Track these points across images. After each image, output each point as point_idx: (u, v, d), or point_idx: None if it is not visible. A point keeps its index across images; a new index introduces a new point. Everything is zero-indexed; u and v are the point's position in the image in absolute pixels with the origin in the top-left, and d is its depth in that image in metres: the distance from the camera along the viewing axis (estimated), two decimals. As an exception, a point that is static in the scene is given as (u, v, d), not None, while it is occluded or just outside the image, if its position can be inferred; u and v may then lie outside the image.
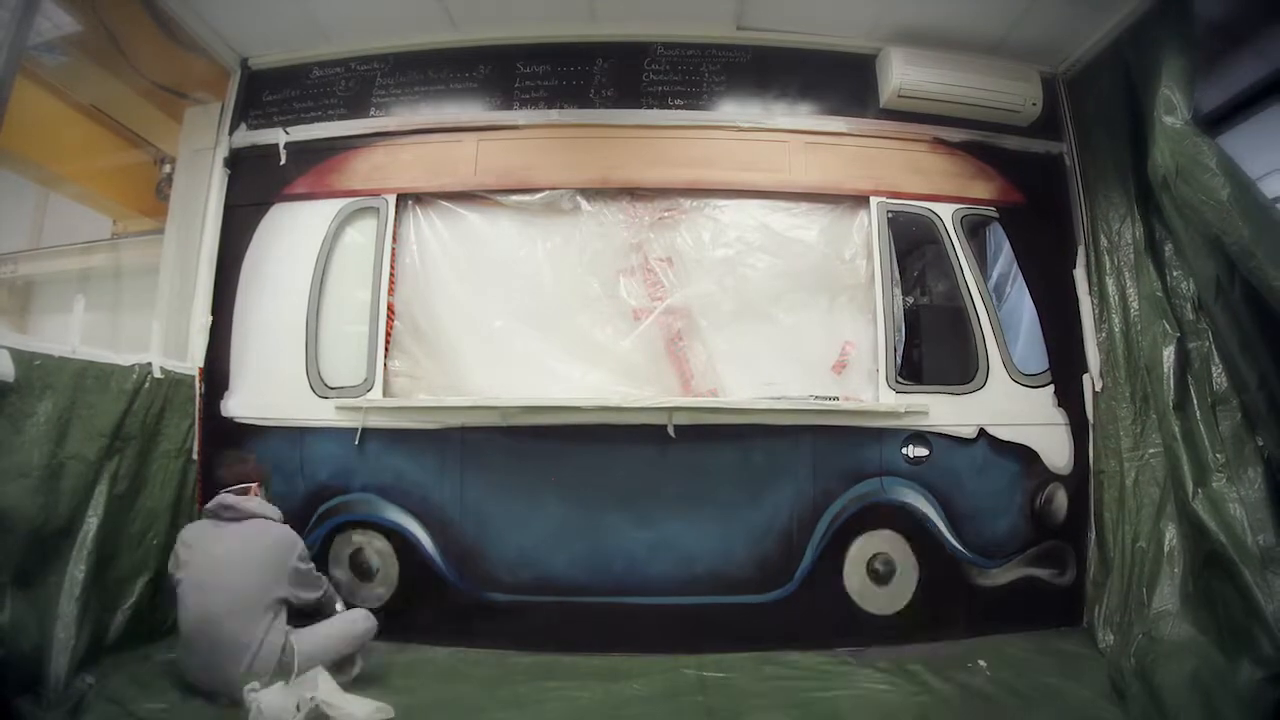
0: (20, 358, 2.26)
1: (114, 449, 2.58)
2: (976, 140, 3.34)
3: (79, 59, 3.23)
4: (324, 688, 2.12)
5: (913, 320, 3.21)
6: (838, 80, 3.37)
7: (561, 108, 3.32)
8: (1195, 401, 2.60)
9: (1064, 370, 3.18)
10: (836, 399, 3.03)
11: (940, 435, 3.05)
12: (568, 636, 2.87)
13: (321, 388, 3.07)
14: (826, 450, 3.01)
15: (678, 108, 3.33)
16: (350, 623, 2.46)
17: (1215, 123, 3.39)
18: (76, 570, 2.40)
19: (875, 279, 3.13)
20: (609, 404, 2.94)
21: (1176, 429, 2.65)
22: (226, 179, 3.35)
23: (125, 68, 3.31)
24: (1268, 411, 2.38)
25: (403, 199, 3.22)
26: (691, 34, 3.37)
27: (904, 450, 3.04)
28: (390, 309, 3.13)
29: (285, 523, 2.49)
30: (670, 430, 2.93)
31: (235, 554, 2.30)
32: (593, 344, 3.13)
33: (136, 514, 2.70)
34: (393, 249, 3.16)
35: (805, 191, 3.24)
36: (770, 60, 3.38)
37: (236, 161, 3.37)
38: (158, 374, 2.81)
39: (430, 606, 2.95)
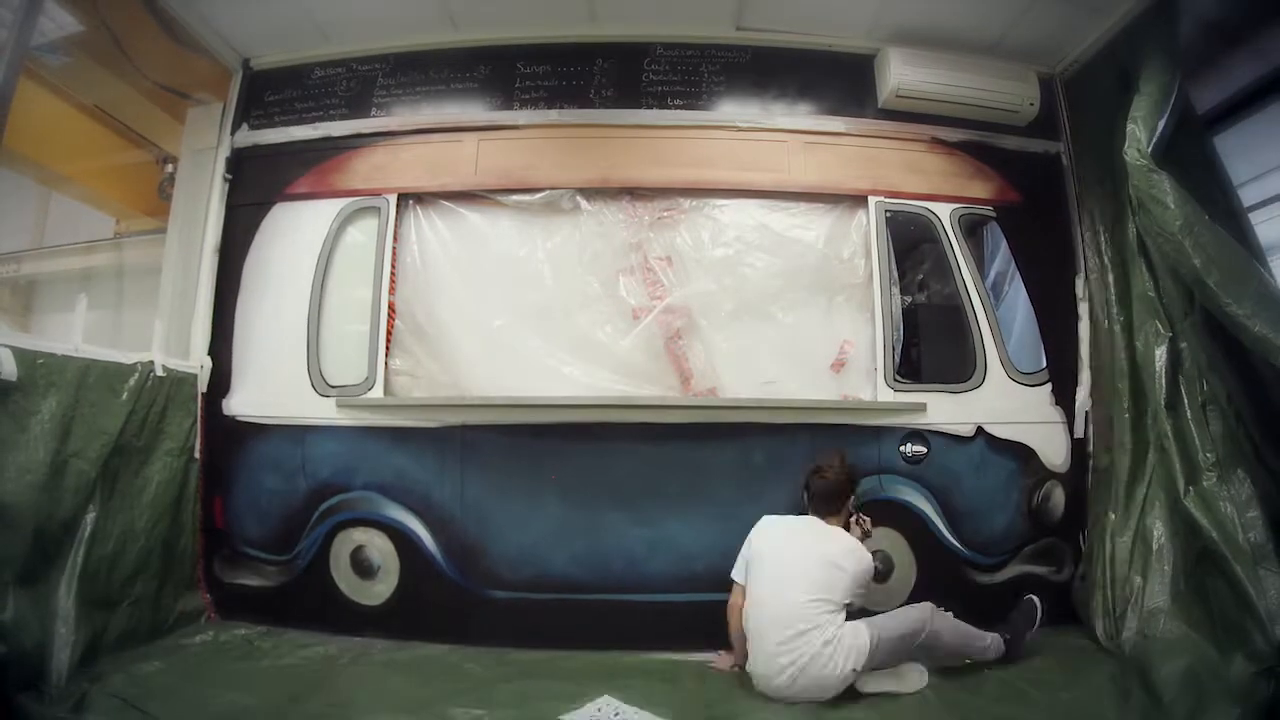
0: (23, 356, 2.28)
1: (116, 447, 2.60)
2: (974, 140, 3.35)
3: (82, 59, 3.25)
4: None
5: (911, 319, 3.23)
6: (836, 80, 3.38)
7: (561, 108, 3.33)
8: (1186, 401, 2.65)
9: (1061, 369, 3.20)
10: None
11: (938, 433, 3.07)
12: (567, 633, 2.88)
13: (323, 386, 3.09)
14: (825, 448, 3.02)
15: (677, 108, 3.34)
16: None
17: (1215, 120, 3.43)
18: (77, 568, 2.42)
19: (874, 278, 3.14)
20: (609, 402, 2.96)
21: (1168, 428, 2.69)
22: (228, 178, 3.36)
23: (128, 68, 3.33)
24: (1247, 420, 2.47)
25: (403, 199, 3.24)
26: (691, 34, 3.39)
27: (902, 448, 3.06)
28: (391, 308, 3.14)
29: None
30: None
31: None
32: (592, 343, 3.14)
33: (139, 512, 2.71)
34: (394, 248, 3.17)
35: (804, 191, 3.26)
36: (769, 60, 3.39)
37: (238, 161, 3.38)
38: (160, 372, 2.83)
39: (431, 604, 2.96)
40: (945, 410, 3.08)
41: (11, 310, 4.33)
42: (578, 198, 3.23)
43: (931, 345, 3.21)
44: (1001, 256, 3.35)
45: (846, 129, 3.31)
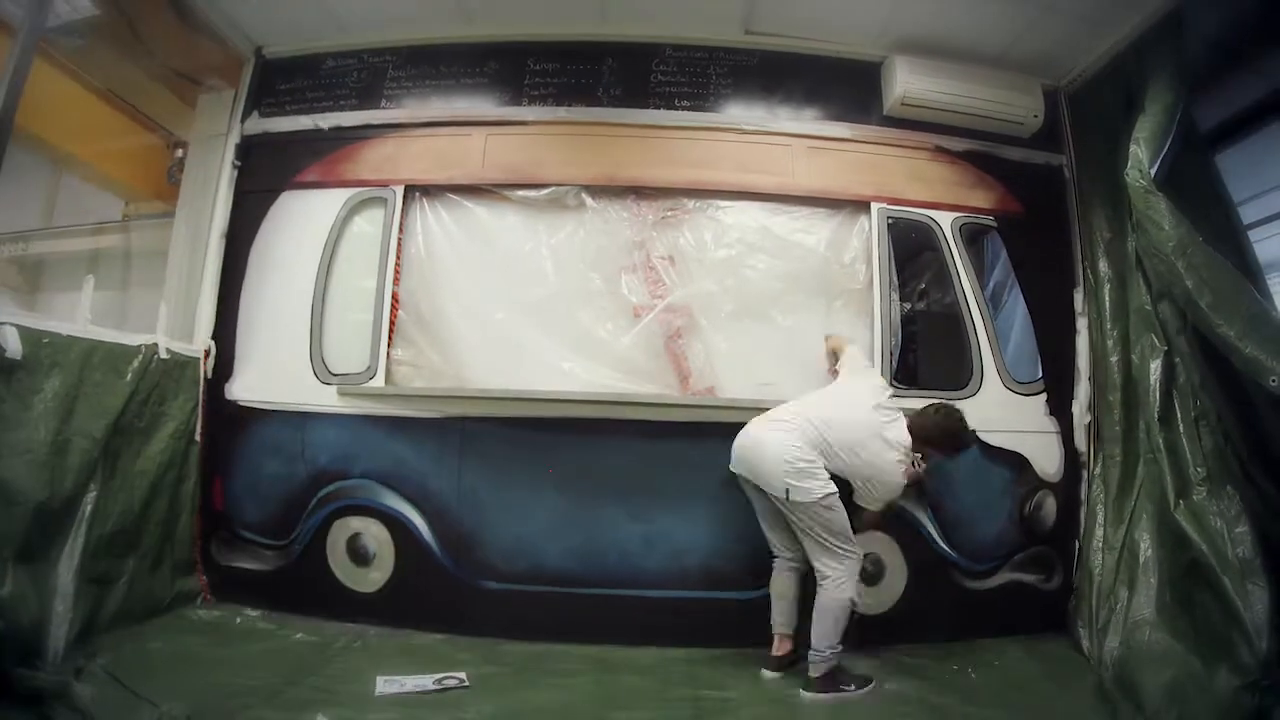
0: (29, 335, 2.30)
1: (118, 427, 2.62)
2: (978, 150, 3.37)
3: (96, 43, 3.28)
4: None
5: (909, 325, 3.25)
6: (842, 86, 3.41)
7: (570, 105, 3.36)
8: (1179, 415, 2.67)
9: (1056, 379, 3.22)
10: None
11: (933, 439, 3.09)
12: (560, 626, 2.90)
13: (325, 373, 3.12)
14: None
15: (684, 109, 3.37)
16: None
17: (1218, 138, 3.46)
18: (76, 546, 2.44)
19: (873, 284, 3.16)
20: (607, 398, 2.99)
21: (1161, 441, 2.72)
22: (237, 165, 3.39)
23: (141, 52, 3.36)
24: (1235, 439, 2.51)
25: (410, 190, 3.26)
26: (700, 36, 3.41)
27: (896, 452, 3.07)
28: (395, 298, 3.16)
29: None
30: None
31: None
32: (593, 339, 3.16)
33: (138, 492, 2.74)
34: (399, 239, 3.20)
35: (807, 195, 3.28)
36: (776, 65, 3.42)
37: (248, 148, 3.41)
38: (164, 354, 2.86)
39: (425, 593, 2.98)
40: (941, 416, 3.10)
41: (19, 288, 4.36)
42: (583, 195, 3.25)
43: (929, 352, 3.23)
44: (1001, 266, 3.37)
45: (851, 135, 3.34)
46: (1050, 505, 3.13)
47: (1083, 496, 3.15)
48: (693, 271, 3.21)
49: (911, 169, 3.32)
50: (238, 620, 2.89)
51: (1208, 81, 3.02)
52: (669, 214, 3.26)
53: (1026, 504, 3.11)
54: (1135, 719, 2.32)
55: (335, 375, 3.11)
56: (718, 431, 3.00)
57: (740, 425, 2.99)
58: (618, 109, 3.36)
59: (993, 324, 3.19)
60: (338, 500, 3.04)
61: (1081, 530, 3.11)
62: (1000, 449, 3.11)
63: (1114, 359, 3.04)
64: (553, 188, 3.24)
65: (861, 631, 2.77)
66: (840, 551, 2.50)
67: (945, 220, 3.27)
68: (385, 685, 2.36)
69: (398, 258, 3.19)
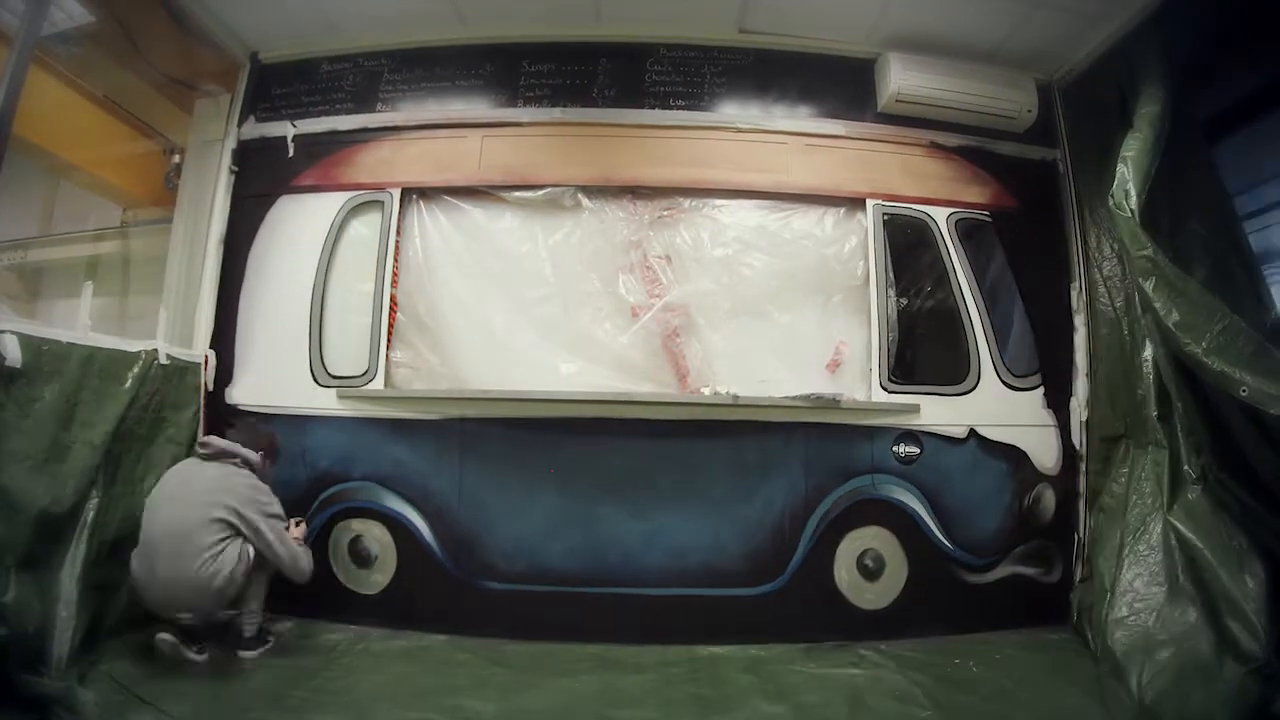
0: (29, 343, 2.31)
1: (119, 433, 2.62)
2: (972, 145, 3.39)
3: (92, 50, 3.27)
4: None
5: (906, 321, 3.26)
6: (836, 84, 3.42)
7: (565, 106, 3.37)
8: (1175, 409, 2.68)
9: (1053, 373, 3.23)
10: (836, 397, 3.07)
11: (931, 434, 3.10)
12: (562, 625, 2.91)
13: (324, 377, 3.13)
14: (819, 447, 3.06)
15: (679, 108, 3.38)
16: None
17: (1211, 132, 3.46)
18: (79, 552, 2.43)
19: (870, 280, 3.18)
20: (606, 398, 3.00)
21: (1158, 436, 2.75)
22: (234, 170, 3.40)
23: (137, 59, 3.35)
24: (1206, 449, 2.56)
25: (407, 193, 3.27)
26: (694, 36, 3.42)
27: (895, 448, 3.09)
28: (393, 301, 3.17)
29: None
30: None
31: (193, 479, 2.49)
32: (592, 339, 3.17)
33: (140, 498, 2.74)
34: (396, 242, 3.21)
35: (803, 193, 3.29)
36: (771, 63, 3.43)
37: (245, 153, 3.42)
38: (163, 360, 2.86)
39: (427, 594, 2.99)
40: (938, 412, 3.12)
41: (18, 296, 4.36)
42: (579, 195, 3.26)
43: (926, 347, 3.25)
44: (996, 260, 3.37)
45: (846, 132, 3.35)
46: (1049, 498, 3.14)
47: (1081, 489, 3.17)
48: (690, 270, 3.23)
49: (906, 165, 3.33)
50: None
51: (1199, 75, 3.02)
52: (665, 213, 3.28)
53: (1025, 498, 3.12)
54: (1138, 711, 2.32)
55: (334, 378, 3.12)
56: (716, 430, 3.03)
57: (737, 423, 3.03)
58: (613, 109, 3.37)
59: (989, 319, 3.20)
60: (339, 503, 3.05)
61: (1081, 523, 3.12)
62: (998, 443, 3.13)
63: (1111, 354, 3.05)
64: (549, 189, 3.25)
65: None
66: None
67: (940, 216, 3.28)
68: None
69: (395, 260, 3.20)
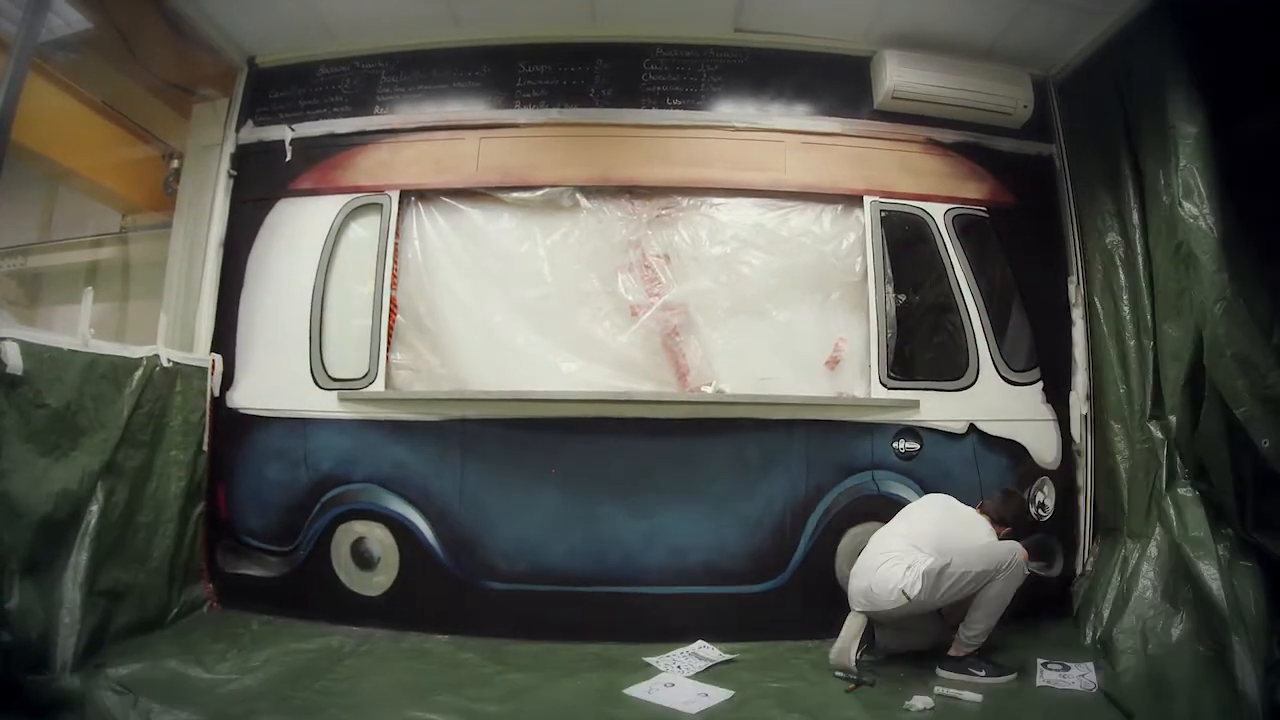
0: (30, 350, 2.30)
1: (123, 440, 2.63)
2: (969, 142, 3.39)
3: (90, 56, 3.28)
4: None
5: (905, 317, 3.26)
6: (833, 82, 3.42)
7: (562, 107, 3.37)
8: (1167, 407, 2.70)
9: (1052, 368, 3.24)
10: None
11: (931, 430, 3.11)
12: (564, 625, 2.92)
13: (325, 379, 3.13)
14: (819, 444, 3.07)
15: (676, 108, 3.38)
16: None
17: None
18: (82, 558, 2.43)
19: (868, 277, 3.18)
20: (606, 397, 3.01)
21: (1152, 432, 2.77)
22: (233, 174, 3.40)
23: (135, 65, 3.37)
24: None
25: (406, 195, 3.28)
26: (690, 35, 3.42)
27: (895, 445, 3.10)
28: (393, 303, 3.18)
29: None
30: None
31: None
32: (591, 339, 3.18)
33: (144, 503, 2.75)
34: (395, 244, 3.21)
35: (800, 191, 3.30)
36: (767, 62, 3.43)
37: (243, 157, 3.42)
38: (165, 364, 2.87)
39: (429, 595, 3.00)
40: (938, 407, 3.13)
41: (18, 302, 4.37)
42: (577, 195, 3.27)
43: (925, 343, 3.26)
44: (994, 256, 3.38)
45: (843, 129, 3.36)
46: (1049, 493, 3.14)
47: (1081, 484, 3.18)
48: (688, 269, 3.23)
49: (903, 162, 3.34)
50: (245, 626, 2.90)
51: (1195, 69, 3.01)
52: (663, 213, 3.28)
53: (1026, 492, 3.12)
54: (1134, 702, 2.32)
55: (335, 381, 3.13)
56: (716, 428, 3.04)
57: (737, 421, 3.04)
58: (610, 109, 3.37)
59: (987, 314, 3.20)
60: (341, 505, 3.05)
61: (1081, 517, 3.13)
62: (998, 438, 3.13)
63: (1109, 348, 3.06)
64: (547, 189, 3.25)
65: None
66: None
67: (938, 212, 3.29)
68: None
69: (394, 262, 3.20)
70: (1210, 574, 2.35)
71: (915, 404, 3.11)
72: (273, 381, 3.18)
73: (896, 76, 3.25)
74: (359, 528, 3.05)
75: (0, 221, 4.23)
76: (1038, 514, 3.11)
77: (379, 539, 3.05)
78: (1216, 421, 2.47)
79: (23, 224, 4.34)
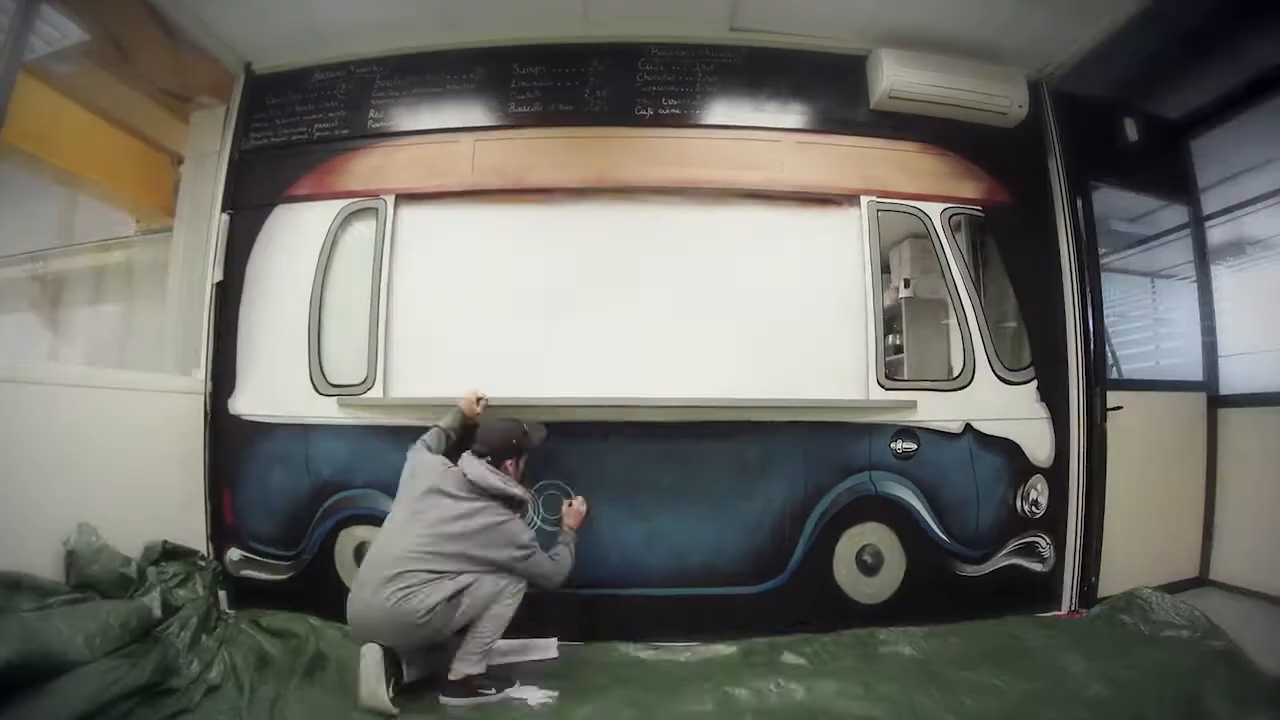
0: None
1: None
2: (965, 141, 3.37)
3: (91, 67, 3.31)
4: None
5: (901, 318, 3.27)
6: (829, 81, 3.41)
7: (557, 109, 3.37)
8: None
9: (1046, 366, 3.25)
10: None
11: (927, 430, 3.13)
12: (563, 626, 2.95)
13: (324, 386, 3.16)
14: (817, 445, 3.09)
15: (671, 108, 3.37)
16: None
17: (1192, 125, 3.46)
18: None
19: (865, 277, 3.19)
20: (605, 401, 3.02)
21: None
22: (232, 180, 3.42)
23: (133, 74, 3.40)
24: None
25: (402, 199, 3.29)
26: (685, 35, 3.41)
27: (892, 445, 3.12)
28: (390, 307, 3.19)
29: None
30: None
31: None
32: (589, 341, 3.19)
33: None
34: (392, 248, 3.23)
35: (796, 191, 3.30)
36: (762, 61, 3.42)
37: (241, 163, 3.44)
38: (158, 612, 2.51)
39: (432, 597, 3.03)
40: (935, 407, 3.14)
41: (40, 305, 4.45)
42: (573, 197, 3.26)
43: (921, 344, 3.27)
44: (990, 255, 3.38)
45: (839, 129, 3.35)
46: (1043, 490, 3.17)
47: (1074, 481, 3.20)
48: (685, 269, 3.24)
49: (900, 161, 3.33)
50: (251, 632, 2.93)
51: (1183, 69, 3.01)
52: (660, 213, 3.28)
53: (1020, 490, 3.15)
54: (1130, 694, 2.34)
55: (335, 387, 3.16)
56: (715, 429, 3.06)
57: (735, 422, 3.04)
58: (605, 110, 3.37)
59: (983, 314, 3.21)
60: (342, 510, 3.09)
61: (1075, 514, 3.15)
62: (993, 437, 3.15)
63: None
64: (542, 191, 3.25)
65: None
66: None
67: (934, 211, 3.29)
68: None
69: (391, 267, 3.22)
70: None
71: (912, 404, 3.12)
72: (273, 388, 3.21)
73: (893, 76, 3.24)
74: (361, 533, 3.08)
75: (19, 227, 4.30)
76: (1030, 511, 3.14)
77: (381, 543, 3.08)
78: None
79: (44, 230, 4.43)
